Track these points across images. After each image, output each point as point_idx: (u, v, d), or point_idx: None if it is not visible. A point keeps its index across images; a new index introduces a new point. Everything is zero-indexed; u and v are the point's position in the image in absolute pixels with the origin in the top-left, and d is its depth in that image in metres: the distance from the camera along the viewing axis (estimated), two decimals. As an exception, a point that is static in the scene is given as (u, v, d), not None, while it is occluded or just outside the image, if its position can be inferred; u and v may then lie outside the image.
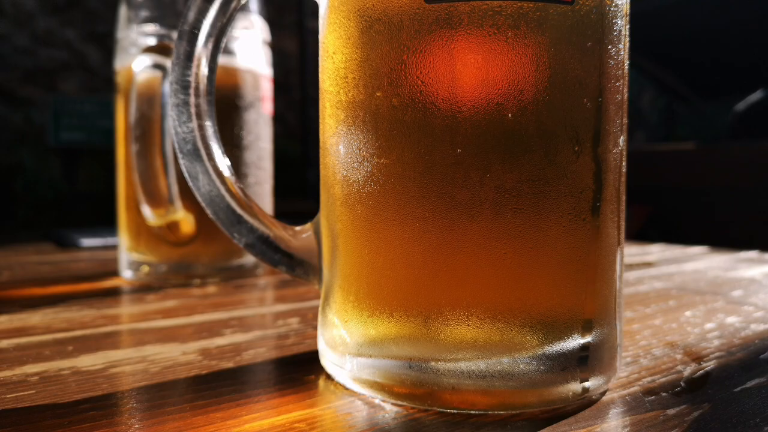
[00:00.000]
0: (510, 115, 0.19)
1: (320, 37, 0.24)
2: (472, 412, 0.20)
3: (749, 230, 1.36)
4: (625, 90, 0.22)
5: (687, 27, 2.07)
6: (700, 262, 0.57)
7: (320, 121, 0.24)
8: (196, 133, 0.24)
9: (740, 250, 0.65)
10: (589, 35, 0.20)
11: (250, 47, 0.47)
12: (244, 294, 0.41)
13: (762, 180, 1.36)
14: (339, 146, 0.22)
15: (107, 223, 0.74)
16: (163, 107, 0.41)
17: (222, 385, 0.23)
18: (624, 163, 0.23)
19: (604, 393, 0.22)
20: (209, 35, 0.24)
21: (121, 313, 0.36)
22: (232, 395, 0.22)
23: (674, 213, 1.56)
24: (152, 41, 0.44)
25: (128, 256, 0.46)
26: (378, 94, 0.21)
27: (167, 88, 0.41)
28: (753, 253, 0.62)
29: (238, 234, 0.25)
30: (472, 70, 0.19)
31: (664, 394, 0.22)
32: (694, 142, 1.71)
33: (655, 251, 0.66)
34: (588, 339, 0.21)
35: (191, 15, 0.24)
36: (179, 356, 0.26)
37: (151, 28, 0.44)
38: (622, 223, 0.23)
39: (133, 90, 0.41)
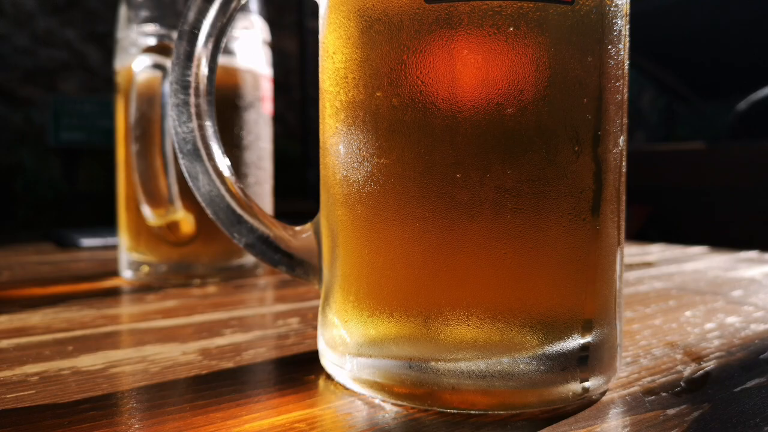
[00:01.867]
0: (510, 115, 0.19)
1: (320, 37, 0.24)
2: (472, 412, 0.20)
3: (749, 230, 1.36)
4: (625, 90, 0.22)
5: (687, 27, 2.07)
6: (700, 262, 0.57)
7: (320, 121, 0.24)
8: (196, 133, 0.24)
9: (740, 250, 0.65)
10: (589, 35, 0.20)
11: (250, 47, 0.47)
12: (244, 294, 0.41)
13: (762, 180, 1.36)
14: (339, 146, 0.22)
15: (107, 223, 0.74)
16: (163, 107, 0.41)
17: (222, 385, 0.23)
18: (624, 163, 0.23)
19: (604, 393, 0.22)
20: (209, 35, 0.24)
21: (121, 313, 0.36)
22: (232, 395, 0.22)
23: (674, 213, 1.56)
24: (152, 41, 0.44)
25: (128, 256, 0.46)
26: (378, 94, 0.21)
27: (167, 88, 0.41)
28: (753, 253, 0.62)
29: (238, 234, 0.25)
30: (472, 70, 0.19)
31: (664, 394, 0.22)
32: (694, 142, 1.71)
33: (655, 251, 0.66)
34: (588, 339, 0.21)
35: (191, 15, 0.24)
36: (179, 356, 0.26)
37: (151, 28, 0.44)
38: (622, 223, 0.23)
39: (133, 90, 0.41)
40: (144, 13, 0.44)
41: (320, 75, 0.24)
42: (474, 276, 0.20)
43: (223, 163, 0.25)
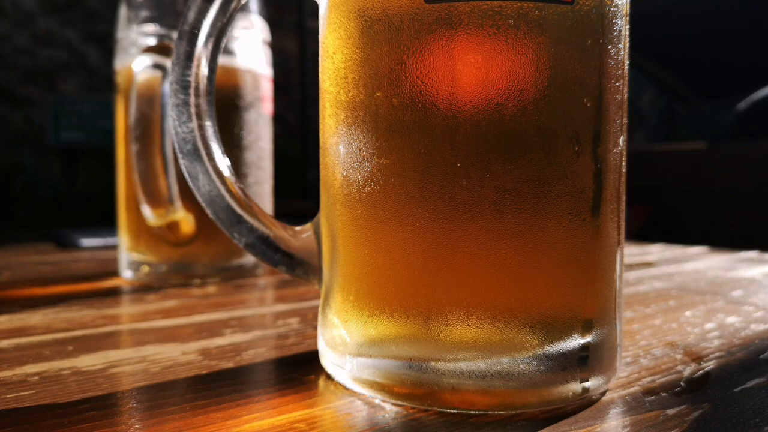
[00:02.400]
0: (510, 115, 0.19)
1: (320, 37, 0.24)
2: (472, 412, 0.20)
3: (749, 230, 1.36)
4: (625, 90, 0.22)
5: (687, 27, 2.07)
6: (700, 262, 0.57)
7: (320, 121, 0.24)
8: (196, 133, 0.24)
9: (740, 250, 0.65)
10: (589, 35, 0.20)
11: (250, 47, 0.47)
12: (244, 294, 0.41)
13: (762, 180, 1.36)
14: (339, 146, 0.22)
15: (107, 223, 0.74)
16: (163, 107, 0.41)
17: (222, 385, 0.23)
18: (624, 163, 0.23)
19: (604, 393, 0.22)
20: (209, 35, 0.24)
21: (121, 313, 0.36)
22: (232, 395, 0.22)
23: (674, 213, 1.56)
24: (152, 41, 0.44)
25: (128, 256, 0.46)
26: (378, 94, 0.21)
27: (167, 88, 0.41)
28: (753, 253, 0.62)
29: (238, 234, 0.25)
30: (472, 70, 0.19)
31: (664, 394, 0.22)
32: (694, 142, 1.72)
33: (655, 251, 0.66)
34: (588, 339, 0.21)
35: (191, 15, 0.24)
36: (179, 356, 0.26)
37: (151, 28, 0.44)
38: (622, 223, 0.23)
39: (133, 90, 0.41)
40: (144, 13, 0.44)
41: (320, 75, 0.24)
42: (474, 276, 0.20)
43: (223, 163, 0.25)
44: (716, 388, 0.22)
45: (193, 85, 0.24)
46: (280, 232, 0.25)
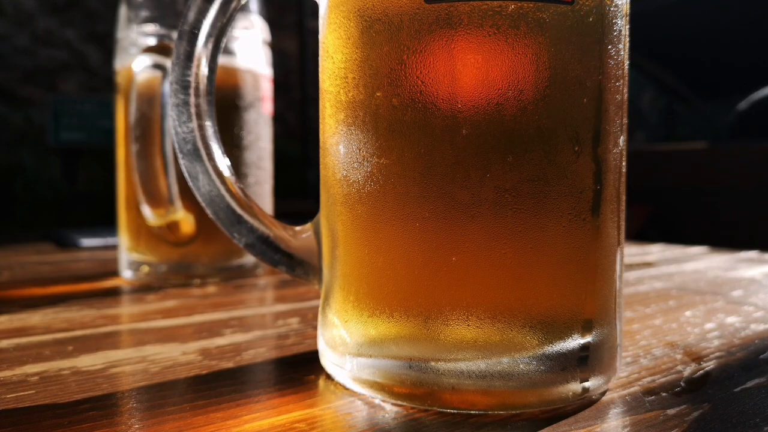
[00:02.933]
0: (510, 115, 0.19)
1: (320, 37, 0.24)
2: (472, 412, 0.20)
3: (749, 230, 1.36)
4: (625, 90, 0.22)
5: (687, 27, 2.08)
6: (700, 262, 0.57)
7: (320, 121, 0.24)
8: (196, 133, 0.24)
9: (740, 250, 0.65)
10: (589, 35, 0.20)
11: (250, 47, 0.47)
12: (244, 294, 0.41)
13: (762, 180, 1.36)
14: (339, 146, 0.22)
15: (107, 223, 0.74)
16: (163, 107, 0.41)
17: (222, 385, 0.23)
18: (624, 163, 0.23)
19: (604, 393, 0.22)
20: (209, 35, 0.24)
21: (121, 313, 0.36)
22: (232, 395, 0.22)
23: (674, 213, 1.56)
24: (152, 41, 0.44)
25: (128, 256, 0.46)
26: (378, 94, 0.21)
27: (167, 88, 0.41)
28: (753, 253, 0.62)
29: (238, 234, 0.25)
30: (472, 70, 0.19)
31: (664, 394, 0.22)
32: (694, 142, 1.72)
33: (655, 251, 0.66)
34: (588, 339, 0.21)
35: (191, 15, 0.24)
36: (179, 356, 0.26)
37: (151, 28, 0.44)
38: (622, 223, 0.23)
39: (133, 90, 0.41)
40: (144, 13, 0.44)
41: (320, 75, 0.24)
42: (474, 276, 0.20)
43: (223, 163, 0.25)
44: (716, 388, 0.22)
45: (193, 85, 0.24)
46: (280, 232, 0.25)
